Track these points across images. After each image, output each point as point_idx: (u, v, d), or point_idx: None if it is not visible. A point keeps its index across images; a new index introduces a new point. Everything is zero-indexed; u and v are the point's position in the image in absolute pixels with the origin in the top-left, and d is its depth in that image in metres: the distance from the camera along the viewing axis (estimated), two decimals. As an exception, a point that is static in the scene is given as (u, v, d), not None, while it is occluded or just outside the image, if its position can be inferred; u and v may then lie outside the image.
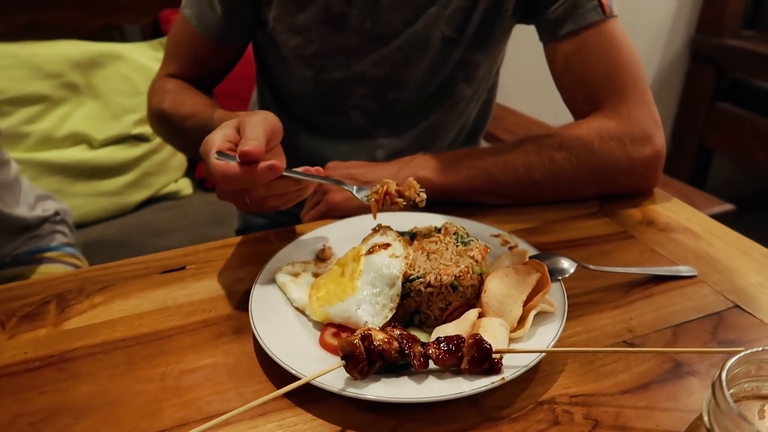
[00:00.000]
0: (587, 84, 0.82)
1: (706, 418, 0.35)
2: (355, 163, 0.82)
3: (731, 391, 0.35)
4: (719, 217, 1.25)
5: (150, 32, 1.61)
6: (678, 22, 2.40)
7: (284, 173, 0.61)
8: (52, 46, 1.42)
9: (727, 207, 1.22)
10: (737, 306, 0.61)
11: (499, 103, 1.94)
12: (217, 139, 0.61)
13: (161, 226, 1.43)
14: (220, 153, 0.60)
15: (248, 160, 0.57)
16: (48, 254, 0.99)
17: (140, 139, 1.51)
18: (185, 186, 1.60)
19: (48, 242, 1.01)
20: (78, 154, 1.42)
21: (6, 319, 0.61)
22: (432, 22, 0.85)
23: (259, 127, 0.60)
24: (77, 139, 1.43)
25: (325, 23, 0.85)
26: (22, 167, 1.14)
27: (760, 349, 0.36)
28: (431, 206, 0.75)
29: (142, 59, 1.52)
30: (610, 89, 0.81)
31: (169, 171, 1.57)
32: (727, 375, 0.34)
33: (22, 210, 0.97)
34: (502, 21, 0.87)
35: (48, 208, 1.05)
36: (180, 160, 1.60)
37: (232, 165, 0.58)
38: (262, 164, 0.57)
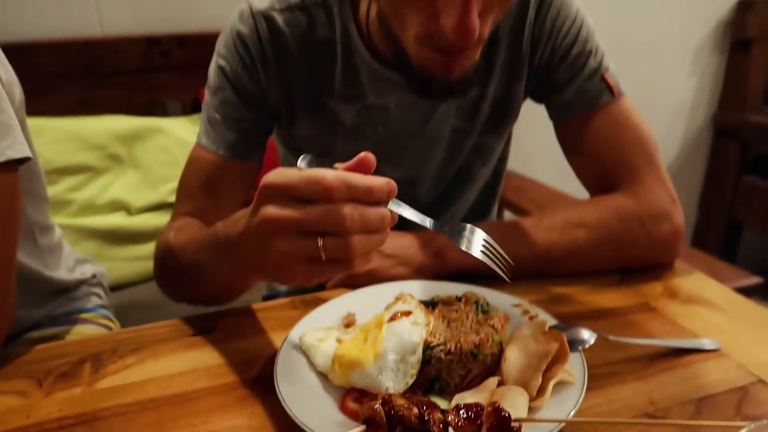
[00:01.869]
0: (600, 163, 0.84)
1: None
2: None
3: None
4: (748, 290, 1.24)
5: (189, 108, 1.71)
6: (700, 100, 2.44)
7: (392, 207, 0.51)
8: (99, 121, 1.53)
9: (755, 280, 1.21)
10: (762, 381, 0.61)
11: (525, 175, 1.98)
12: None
13: (191, 291, 1.46)
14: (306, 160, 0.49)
15: (367, 166, 0.48)
16: (83, 315, 1.02)
17: (176, 206, 1.57)
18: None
19: (84, 304, 1.05)
20: (117, 220, 1.49)
21: (43, 378, 0.64)
22: (443, 118, 0.87)
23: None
24: (117, 206, 1.50)
25: (338, 135, 0.88)
26: (64, 232, 1.20)
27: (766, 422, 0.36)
28: (452, 276, 0.77)
29: (180, 132, 1.61)
30: (624, 168, 0.82)
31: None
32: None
33: (62, 273, 1.02)
34: (511, 107, 0.89)
35: (86, 271, 1.10)
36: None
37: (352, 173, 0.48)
38: (382, 179, 0.49)
